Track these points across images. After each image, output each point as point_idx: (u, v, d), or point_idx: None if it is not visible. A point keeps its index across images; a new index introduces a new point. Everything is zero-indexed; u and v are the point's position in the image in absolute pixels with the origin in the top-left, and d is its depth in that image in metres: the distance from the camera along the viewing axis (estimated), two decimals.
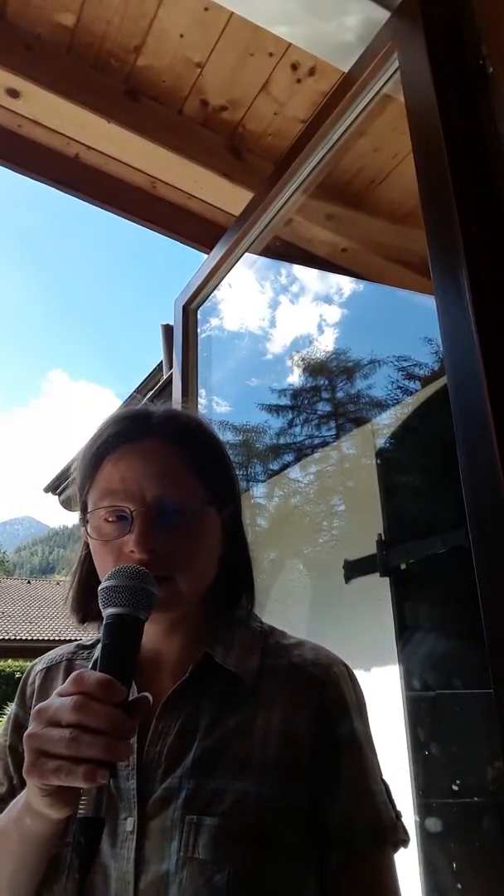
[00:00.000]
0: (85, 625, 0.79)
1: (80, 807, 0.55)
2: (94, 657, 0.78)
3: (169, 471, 0.73)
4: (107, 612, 0.63)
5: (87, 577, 0.79)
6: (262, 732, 0.69)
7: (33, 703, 0.80)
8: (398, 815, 0.71)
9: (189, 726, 0.70)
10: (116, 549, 0.71)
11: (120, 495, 0.72)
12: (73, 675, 0.58)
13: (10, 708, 0.84)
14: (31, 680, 0.83)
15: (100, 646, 0.62)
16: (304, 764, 0.68)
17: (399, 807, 0.73)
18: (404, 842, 0.70)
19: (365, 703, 0.77)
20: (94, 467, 0.76)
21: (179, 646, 0.76)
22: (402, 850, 0.71)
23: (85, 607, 0.79)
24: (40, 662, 0.85)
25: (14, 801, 0.67)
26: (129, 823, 0.66)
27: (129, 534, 0.70)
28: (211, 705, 0.71)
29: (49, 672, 0.83)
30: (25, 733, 0.57)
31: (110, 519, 0.72)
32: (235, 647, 0.75)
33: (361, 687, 0.78)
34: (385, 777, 0.74)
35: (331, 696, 0.72)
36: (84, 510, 0.77)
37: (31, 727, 0.57)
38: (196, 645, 0.74)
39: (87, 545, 0.79)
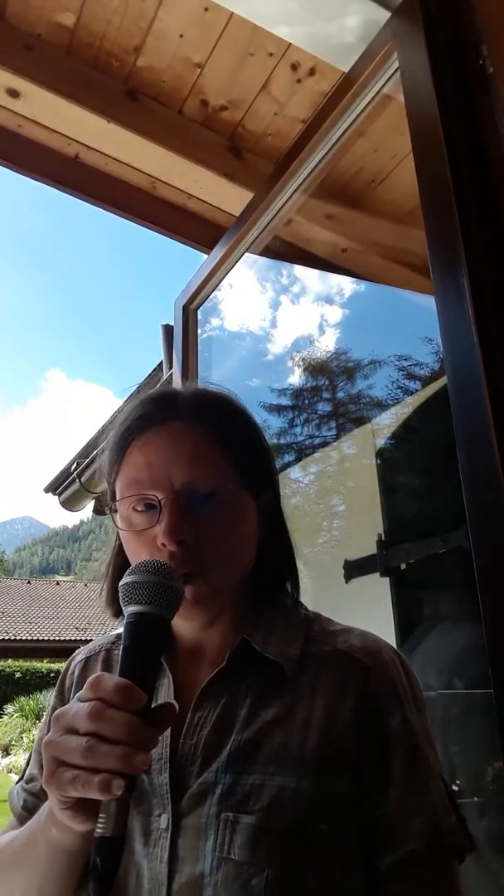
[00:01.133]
0: (119, 619, 0.72)
1: (99, 824, 0.52)
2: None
3: (197, 454, 0.69)
4: (128, 609, 0.59)
5: (120, 569, 0.73)
6: (303, 723, 0.64)
7: (72, 694, 0.77)
8: (460, 819, 0.64)
9: (226, 717, 0.66)
10: (149, 541, 0.68)
11: (147, 483, 0.68)
12: (91, 678, 0.55)
13: (49, 701, 0.81)
14: (70, 670, 0.81)
15: (120, 647, 0.59)
16: (347, 757, 0.62)
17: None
18: (468, 849, 0.62)
19: (421, 695, 0.70)
20: (119, 454, 0.72)
21: (220, 636, 0.73)
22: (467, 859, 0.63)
23: (119, 600, 0.76)
24: (80, 654, 0.82)
25: (43, 807, 0.64)
26: (164, 820, 0.62)
27: (158, 524, 0.66)
28: (250, 695, 0.67)
29: (88, 662, 0.80)
30: (44, 740, 0.55)
31: (139, 508, 0.69)
32: (276, 633, 0.71)
33: (417, 678, 0.72)
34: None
35: (378, 684, 0.66)
36: (112, 499, 0.73)
37: (50, 734, 0.55)
38: (237, 634, 0.70)
39: (119, 535, 0.76)
